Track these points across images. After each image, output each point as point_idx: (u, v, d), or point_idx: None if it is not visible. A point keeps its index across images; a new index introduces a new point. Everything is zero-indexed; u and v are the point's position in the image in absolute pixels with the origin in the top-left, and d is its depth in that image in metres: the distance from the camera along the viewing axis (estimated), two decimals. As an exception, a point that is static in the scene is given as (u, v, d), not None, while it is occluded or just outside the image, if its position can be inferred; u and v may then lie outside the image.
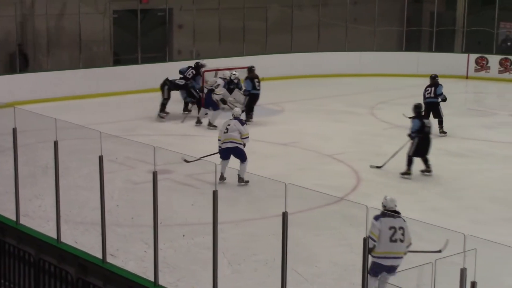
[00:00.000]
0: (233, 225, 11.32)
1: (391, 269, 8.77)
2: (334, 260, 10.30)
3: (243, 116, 15.49)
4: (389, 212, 8.93)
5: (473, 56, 26.44)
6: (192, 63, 20.42)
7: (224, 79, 19.24)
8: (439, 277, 6.34)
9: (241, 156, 13.65)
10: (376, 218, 8.75)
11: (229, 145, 13.63)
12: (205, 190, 9.58)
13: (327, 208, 12.09)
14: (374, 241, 8.66)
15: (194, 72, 19.82)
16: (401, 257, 8.80)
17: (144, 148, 11.38)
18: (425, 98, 18.00)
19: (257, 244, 10.84)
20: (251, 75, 19.44)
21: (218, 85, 18.74)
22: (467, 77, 26.12)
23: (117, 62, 23.72)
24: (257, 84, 19.28)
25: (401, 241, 8.76)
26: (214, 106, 18.53)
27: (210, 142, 17.13)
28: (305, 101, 20.34)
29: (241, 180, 13.57)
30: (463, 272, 6.32)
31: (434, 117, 17.87)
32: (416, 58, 26.48)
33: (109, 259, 9.26)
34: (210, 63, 21.19)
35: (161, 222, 8.80)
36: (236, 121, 13.82)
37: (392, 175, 14.72)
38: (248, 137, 13.78)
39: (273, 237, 8.57)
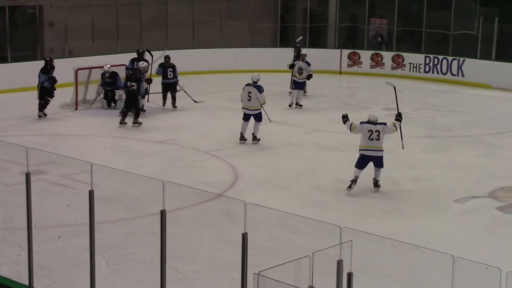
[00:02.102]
0: (110, 225, 11.16)
1: (373, 160, 13.34)
2: (214, 257, 10.31)
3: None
4: (370, 121, 13.39)
5: (346, 52, 27.03)
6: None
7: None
8: (317, 269, 6.42)
9: (259, 118, 16.47)
10: (361, 123, 13.49)
11: (252, 112, 16.39)
12: (80, 190, 9.39)
13: (205, 204, 12.07)
14: (350, 130, 13.68)
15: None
16: (378, 150, 13.32)
17: (16, 149, 11.04)
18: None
19: (136, 243, 10.72)
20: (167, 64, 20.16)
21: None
22: (340, 72, 26.68)
23: (-14, 61, 22.99)
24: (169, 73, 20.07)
25: (377, 139, 13.26)
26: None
27: (83, 141, 16.87)
28: (181, 98, 20.25)
29: (254, 138, 16.49)
30: (339, 263, 6.43)
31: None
32: (291, 54, 26.79)
33: (-19, 264, 8.96)
34: (83, 62, 20.88)
35: (35, 224, 8.58)
36: (255, 89, 16.40)
37: (269, 170, 14.87)
38: (265, 103, 16.57)
39: (152, 235, 8.51)
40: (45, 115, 18.65)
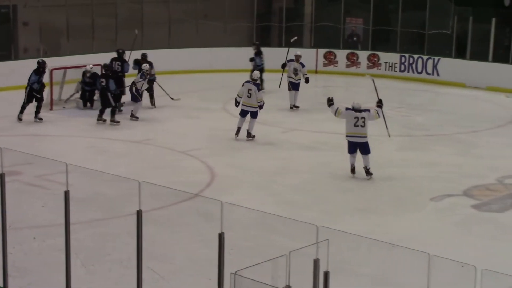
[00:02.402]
0: (86, 226, 11.10)
1: (360, 146, 13.86)
2: (190, 256, 10.28)
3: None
4: (355, 108, 13.89)
5: (322, 51, 27.09)
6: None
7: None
8: (293, 268, 6.42)
9: (255, 115, 16.74)
10: (347, 109, 14.00)
11: (250, 109, 16.69)
12: (56, 191, 9.33)
13: (182, 204, 12.05)
14: (334, 114, 14.17)
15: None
16: (363, 136, 13.85)
17: (-10, 150, 10.97)
18: None
19: (112, 244, 10.67)
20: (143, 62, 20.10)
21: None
22: (316, 72, 26.70)
23: (-41, 61, 22.77)
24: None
25: (362, 126, 13.81)
26: (135, 98, 18.83)
27: (58, 142, 16.76)
28: (158, 98, 20.20)
29: (249, 135, 16.73)
30: (316, 262, 6.43)
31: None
32: (266, 54, 26.81)
33: (-46, 267, 8.86)
34: (58, 61, 20.75)
35: (10, 225, 8.52)
36: (255, 87, 16.71)
37: (246, 170, 14.87)
38: (262, 102, 16.71)
39: (128, 236, 8.46)
40: (41, 119, 18.25)
